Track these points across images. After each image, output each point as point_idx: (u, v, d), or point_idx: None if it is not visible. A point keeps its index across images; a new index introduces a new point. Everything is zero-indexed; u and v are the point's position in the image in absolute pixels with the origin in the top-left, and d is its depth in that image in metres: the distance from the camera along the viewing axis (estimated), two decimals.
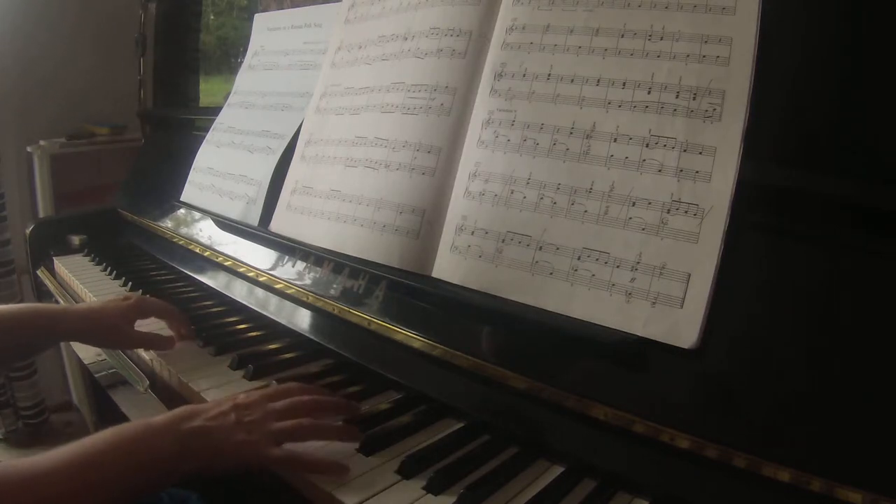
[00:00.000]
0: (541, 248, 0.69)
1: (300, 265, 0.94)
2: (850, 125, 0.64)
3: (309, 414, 0.65)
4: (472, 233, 0.75)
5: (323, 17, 1.15)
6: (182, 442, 0.59)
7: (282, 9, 1.40)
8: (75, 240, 1.44)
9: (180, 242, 1.23)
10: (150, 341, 0.88)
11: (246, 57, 1.30)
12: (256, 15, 1.32)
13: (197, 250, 1.17)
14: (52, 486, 0.52)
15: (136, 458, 0.56)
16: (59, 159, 2.14)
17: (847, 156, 0.64)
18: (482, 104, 0.79)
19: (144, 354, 0.90)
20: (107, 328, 0.87)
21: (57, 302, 1.27)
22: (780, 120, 0.66)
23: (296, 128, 1.07)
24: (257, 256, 1.03)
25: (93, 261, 1.33)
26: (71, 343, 1.15)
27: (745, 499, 0.53)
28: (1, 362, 0.95)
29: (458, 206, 0.78)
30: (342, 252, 0.87)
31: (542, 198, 0.71)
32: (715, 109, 0.63)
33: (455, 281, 0.75)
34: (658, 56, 0.67)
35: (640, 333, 0.61)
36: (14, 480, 0.51)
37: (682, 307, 0.60)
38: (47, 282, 1.31)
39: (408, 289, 0.79)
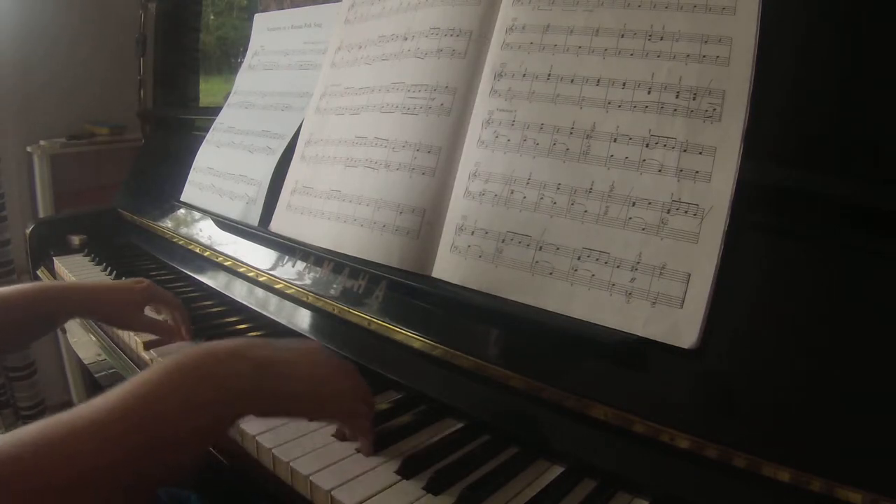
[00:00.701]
0: (541, 248, 0.69)
1: (300, 265, 0.94)
2: (849, 125, 0.64)
3: None
4: (472, 233, 0.75)
5: (323, 17, 1.15)
6: (257, 370, 0.53)
7: (282, 9, 1.40)
8: (75, 240, 1.44)
9: (180, 242, 1.23)
10: (158, 328, 0.88)
11: (246, 57, 1.30)
12: (256, 15, 1.32)
13: (197, 250, 1.17)
14: (117, 436, 0.44)
15: (204, 384, 0.49)
16: (59, 159, 2.14)
17: (847, 156, 0.64)
18: (482, 104, 0.79)
19: (144, 354, 0.90)
20: (118, 306, 0.86)
21: None
22: (780, 120, 0.66)
23: (296, 128, 1.07)
24: (257, 256, 1.03)
25: (93, 261, 1.33)
26: (71, 343, 1.15)
27: (745, 499, 0.53)
28: (13, 341, 0.92)
29: (458, 206, 0.78)
30: (342, 252, 0.87)
31: (542, 198, 0.71)
32: (715, 109, 0.63)
33: (455, 281, 0.75)
34: (658, 56, 0.67)
35: (640, 333, 0.61)
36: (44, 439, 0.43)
37: (682, 307, 0.60)
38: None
39: (408, 289, 0.79)
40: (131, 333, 0.92)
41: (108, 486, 0.44)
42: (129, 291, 0.88)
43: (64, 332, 1.22)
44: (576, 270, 0.67)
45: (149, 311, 0.92)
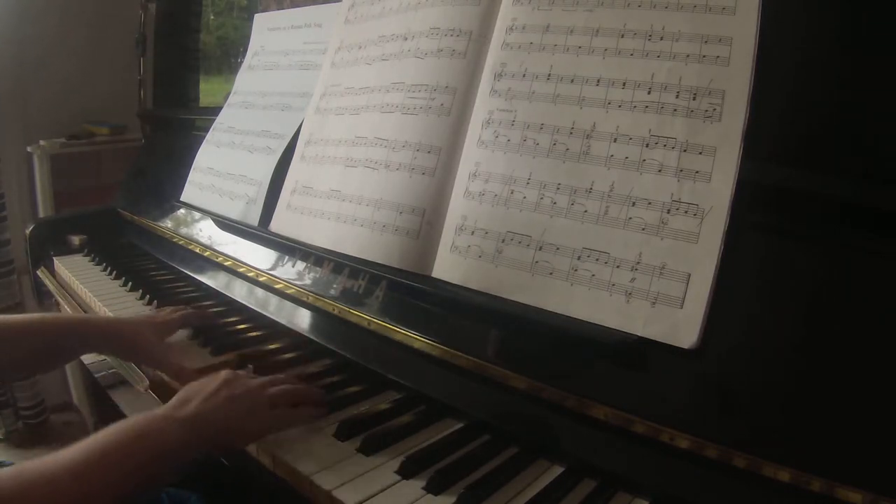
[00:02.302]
0: (541, 248, 0.69)
1: (300, 265, 0.94)
2: (849, 125, 0.64)
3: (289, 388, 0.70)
4: (472, 233, 0.75)
5: (323, 17, 1.15)
6: (186, 428, 0.60)
7: (282, 9, 1.40)
8: (75, 240, 1.44)
9: (180, 242, 1.23)
10: (173, 370, 0.80)
11: (246, 57, 1.30)
12: (256, 15, 1.32)
13: (197, 250, 1.17)
14: (66, 487, 0.51)
15: (142, 454, 0.56)
16: (59, 159, 2.14)
17: (847, 156, 0.64)
18: (482, 104, 0.79)
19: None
20: (139, 343, 0.83)
21: (57, 302, 1.27)
22: (780, 120, 0.66)
23: (296, 128, 1.07)
24: (257, 256, 1.03)
25: (93, 261, 1.33)
26: None
27: (745, 499, 0.53)
28: (26, 369, 0.92)
29: (458, 206, 0.78)
30: (342, 252, 0.87)
31: (542, 198, 0.71)
32: (715, 109, 0.63)
33: (455, 281, 0.75)
34: (658, 56, 0.67)
35: (640, 333, 0.61)
36: (16, 486, 0.49)
37: (681, 307, 0.60)
38: (47, 282, 1.31)
39: (408, 289, 0.79)
40: None
41: None
42: (148, 325, 0.86)
43: None
44: (576, 270, 0.67)
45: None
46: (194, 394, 0.64)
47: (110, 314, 1.04)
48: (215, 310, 1.05)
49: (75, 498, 0.51)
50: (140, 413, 0.62)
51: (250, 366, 0.81)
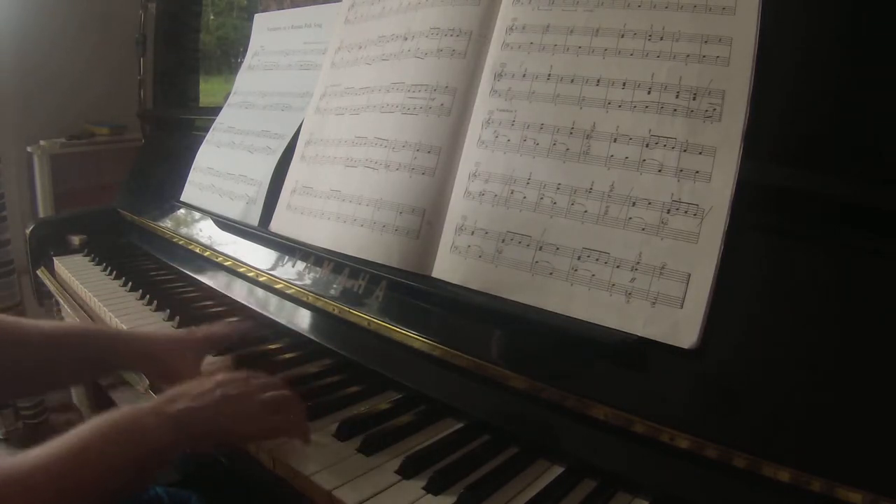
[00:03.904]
0: (541, 248, 0.69)
1: (300, 265, 0.94)
2: (849, 125, 0.64)
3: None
4: (472, 233, 0.75)
5: (323, 17, 1.15)
6: (173, 424, 0.57)
7: (282, 9, 1.40)
8: (75, 240, 1.44)
9: (180, 242, 1.23)
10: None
11: (246, 57, 1.30)
12: (256, 15, 1.32)
13: (197, 250, 1.17)
14: (40, 486, 0.48)
15: (126, 448, 0.54)
16: (59, 159, 2.14)
17: (847, 156, 0.64)
18: (482, 104, 0.79)
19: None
20: (174, 363, 0.76)
21: (57, 302, 1.27)
22: (780, 120, 0.66)
23: (296, 128, 1.07)
24: (257, 256, 1.03)
25: (93, 261, 1.33)
26: None
27: (745, 499, 0.53)
28: (45, 383, 0.83)
29: (458, 206, 0.78)
30: (342, 252, 0.87)
31: (542, 198, 0.71)
32: (715, 109, 0.63)
33: (455, 281, 0.75)
34: (658, 56, 0.67)
35: (640, 334, 0.61)
36: None
37: (681, 307, 0.60)
38: (47, 282, 1.31)
39: (408, 289, 0.79)
40: None
41: None
42: (183, 343, 0.79)
43: None
44: (576, 270, 0.67)
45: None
46: (186, 391, 0.62)
47: (111, 315, 1.03)
48: (215, 310, 1.05)
49: (51, 498, 0.48)
50: (128, 406, 0.58)
51: (251, 366, 0.81)
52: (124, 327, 0.97)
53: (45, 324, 0.75)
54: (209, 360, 0.83)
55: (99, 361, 0.77)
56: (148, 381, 0.86)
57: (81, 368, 0.78)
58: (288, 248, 0.97)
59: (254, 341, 0.91)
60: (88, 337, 0.77)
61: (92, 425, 0.54)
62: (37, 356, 0.71)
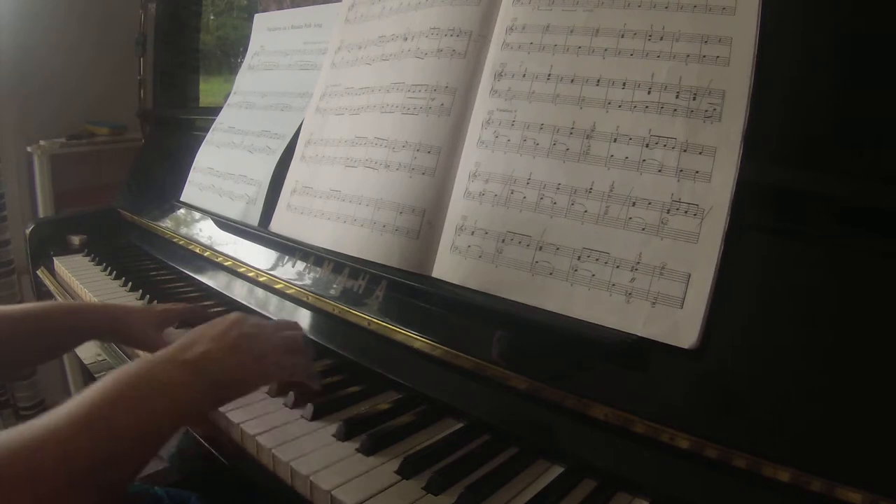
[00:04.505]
0: (541, 248, 0.69)
1: (300, 265, 0.94)
2: (850, 125, 0.64)
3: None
4: (472, 233, 0.75)
5: (323, 17, 1.15)
6: (192, 371, 0.56)
7: (282, 9, 1.40)
8: (75, 240, 1.44)
9: (180, 242, 1.23)
10: None
11: (246, 57, 1.30)
12: (256, 15, 1.32)
13: (197, 250, 1.17)
14: (49, 453, 0.45)
15: (141, 403, 0.51)
16: (59, 159, 2.14)
17: (847, 156, 0.64)
18: (482, 104, 0.79)
19: (143, 354, 0.90)
20: (137, 327, 0.82)
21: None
22: (780, 120, 0.66)
23: (296, 128, 1.07)
24: (257, 256, 1.03)
25: (93, 261, 1.33)
26: None
27: (745, 499, 0.53)
28: (27, 359, 0.89)
29: (458, 206, 0.78)
30: (342, 252, 0.87)
31: (542, 198, 0.71)
32: (715, 109, 0.63)
33: (455, 281, 0.75)
34: (658, 56, 0.67)
35: (640, 333, 0.61)
36: (12, 447, 0.44)
37: (681, 307, 0.60)
38: (47, 282, 1.31)
39: (408, 289, 0.79)
40: None
41: (75, 497, 0.45)
42: (147, 312, 0.86)
43: None
44: (576, 270, 0.67)
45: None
46: (201, 335, 0.60)
47: None
48: (216, 310, 1.05)
49: (57, 467, 0.45)
50: (140, 359, 0.57)
51: None
52: None
53: (12, 308, 0.78)
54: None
55: (70, 333, 0.81)
56: None
57: (54, 343, 0.81)
58: (288, 248, 0.97)
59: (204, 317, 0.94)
60: (58, 312, 0.81)
61: (103, 381, 0.52)
62: (13, 338, 0.74)
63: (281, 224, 1.00)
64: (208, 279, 1.11)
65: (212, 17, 1.86)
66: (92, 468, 0.46)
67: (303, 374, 0.67)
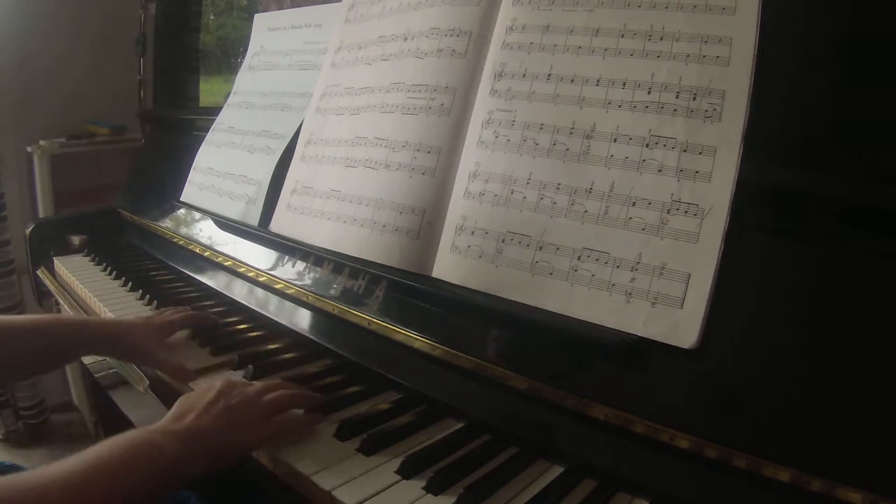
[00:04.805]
0: (541, 248, 0.69)
1: (300, 265, 0.94)
2: (850, 125, 0.64)
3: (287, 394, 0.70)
4: (472, 233, 0.75)
5: (323, 17, 1.15)
6: (183, 443, 0.59)
7: (282, 9, 1.40)
8: (75, 240, 1.44)
9: (180, 242, 1.23)
10: (172, 370, 0.82)
11: (246, 57, 1.30)
12: (256, 15, 1.32)
13: (197, 250, 1.17)
14: (55, 500, 0.49)
15: (136, 471, 0.55)
16: (59, 159, 2.14)
17: (847, 156, 0.64)
18: (482, 104, 0.79)
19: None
20: (137, 344, 0.83)
21: (57, 302, 1.27)
22: (780, 120, 0.66)
23: (296, 128, 1.07)
24: (257, 256, 1.03)
25: (93, 261, 1.33)
26: None
27: (745, 499, 0.53)
28: (23, 371, 0.93)
29: (458, 206, 0.78)
30: (342, 252, 0.87)
31: (542, 198, 0.71)
32: (715, 109, 0.63)
33: (455, 281, 0.75)
34: (658, 56, 0.67)
35: (639, 333, 0.61)
36: (5, 499, 0.48)
37: (681, 307, 0.60)
38: (47, 282, 1.31)
39: (408, 289, 0.79)
40: None
41: None
42: (147, 326, 0.87)
43: None
44: (576, 270, 0.67)
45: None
46: (190, 406, 0.63)
47: (111, 314, 1.04)
48: (216, 310, 1.05)
49: None
50: (143, 421, 0.61)
51: (251, 366, 0.81)
52: None
53: (19, 318, 0.81)
54: (204, 360, 0.85)
55: (71, 348, 0.84)
56: (148, 382, 0.87)
57: (55, 355, 0.84)
58: (288, 248, 0.97)
59: (220, 325, 0.98)
60: (61, 326, 0.83)
61: (108, 444, 0.56)
62: (16, 348, 0.78)
63: (281, 224, 1.00)
64: (208, 279, 1.11)
65: (212, 17, 1.86)
66: None
67: (294, 431, 0.67)
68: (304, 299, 0.91)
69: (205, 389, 0.66)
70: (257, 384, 0.69)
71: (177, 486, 0.60)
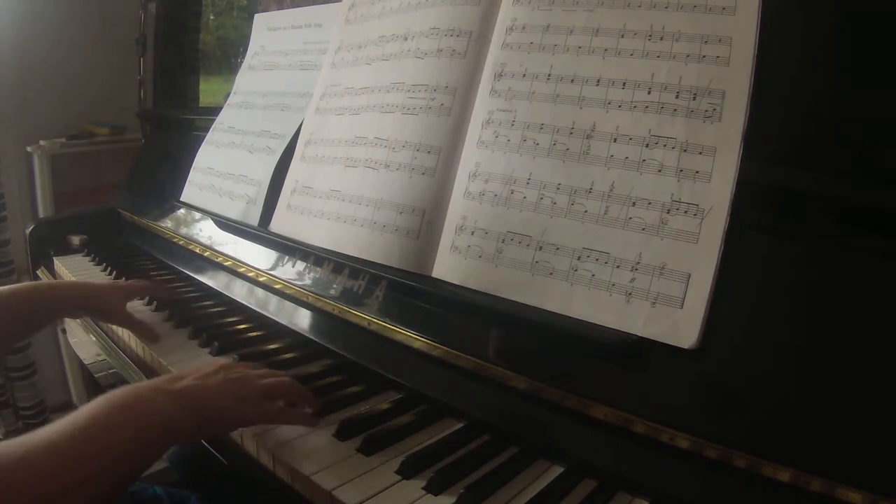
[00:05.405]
0: (541, 248, 0.69)
1: (300, 265, 0.94)
2: (849, 125, 0.64)
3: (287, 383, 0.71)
4: (472, 233, 0.75)
5: (323, 17, 1.15)
6: (175, 400, 0.59)
7: (282, 9, 1.40)
8: (75, 240, 1.44)
9: (180, 242, 1.23)
10: (138, 327, 0.92)
11: (246, 57, 1.30)
12: (256, 15, 1.32)
13: (197, 250, 1.17)
14: (44, 461, 0.49)
15: (127, 426, 0.55)
16: (59, 159, 2.14)
17: (847, 156, 0.64)
18: (482, 104, 0.79)
19: (144, 354, 0.90)
20: (103, 301, 0.92)
21: None
22: (780, 120, 0.66)
23: (296, 128, 1.07)
24: (257, 256, 1.03)
25: (93, 261, 1.33)
26: (71, 343, 1.16)
27: (745, 499, 0.53)
28: (8, 336, 0.97)
29: (458, 206, 0.78)
30: (342, 252, 0.87)
31: (542, 198, 0.71)
32: (715, 109, 0.63)
33: (455, 281, 0.75)
34: (658, 56, 0.67)
35: (640, 333, 0.61)
36: (4, 461, 0.48)
37: (682, 307, 0.60)
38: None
39: (408, 289, 0.79)
40: (130, 334, 0.93)
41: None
42: (113, 287, 0.98)
43: (64, 332, 1.22)
44: (576, 270, 0.67)
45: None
46: (189, 372, 0.65)
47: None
48: (215, 310, 1.05)
49: (54, 474, 0.49)
50: (131, 384, 0.61)
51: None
52: None
53: None
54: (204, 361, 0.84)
55: (44, 311, 0.90)
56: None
57: (30, 321, 0.90)
58: (288, 248, 0.97)
59: (185, 301, 1.06)
60: (31, 291, 0.90)
61: (96, 402, 0.55)
62: None
63: (281, 224, 1.00)
64: (208, 279, 1.11)
65: (212, 17, 1.86)
66: (83, 479, 0.50)
67: (290, 419, 0.68)
68: (304, 299, 0.91)
69: (205, 365, 0.68)
70: (260, 369, 0.71)
71: (167, 444, 0.60)
